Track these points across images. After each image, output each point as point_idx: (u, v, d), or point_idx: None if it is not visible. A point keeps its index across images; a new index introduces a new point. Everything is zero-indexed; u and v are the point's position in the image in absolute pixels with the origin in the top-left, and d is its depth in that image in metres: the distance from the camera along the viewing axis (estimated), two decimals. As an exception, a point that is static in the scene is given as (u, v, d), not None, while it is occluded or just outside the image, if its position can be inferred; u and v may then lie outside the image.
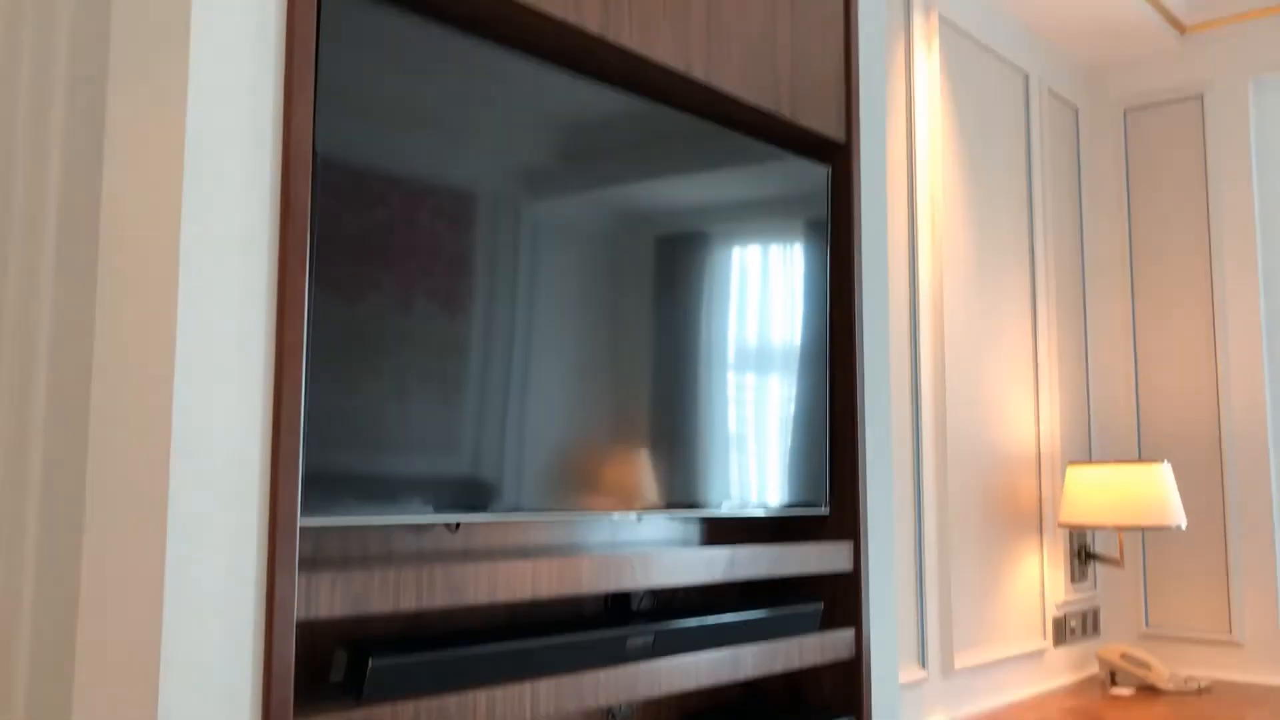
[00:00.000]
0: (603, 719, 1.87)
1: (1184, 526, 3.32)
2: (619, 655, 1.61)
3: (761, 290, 1.96)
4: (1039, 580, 3.49)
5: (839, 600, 2.08)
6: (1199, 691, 3.45)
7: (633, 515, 1.69)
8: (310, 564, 1.41)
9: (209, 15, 1.18)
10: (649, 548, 1.80)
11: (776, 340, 1.98)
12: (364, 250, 1.36)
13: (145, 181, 1.18)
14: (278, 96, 1.24)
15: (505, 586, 1.43)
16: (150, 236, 1.17)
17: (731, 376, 1.88)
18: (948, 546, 3.04)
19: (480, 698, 1.39)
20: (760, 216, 1.97)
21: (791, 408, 2.00)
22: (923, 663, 2.91)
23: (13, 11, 1.41)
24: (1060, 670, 3.56)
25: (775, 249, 2.00)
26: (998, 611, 3.26)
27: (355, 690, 1.29)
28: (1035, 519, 3.50)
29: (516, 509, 1.52)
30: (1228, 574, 3.66)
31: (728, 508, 1.85)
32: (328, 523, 1.29)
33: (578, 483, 1.61)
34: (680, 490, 1.77)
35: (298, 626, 1.42)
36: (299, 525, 1.23)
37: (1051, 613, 3.51)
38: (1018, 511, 3.41)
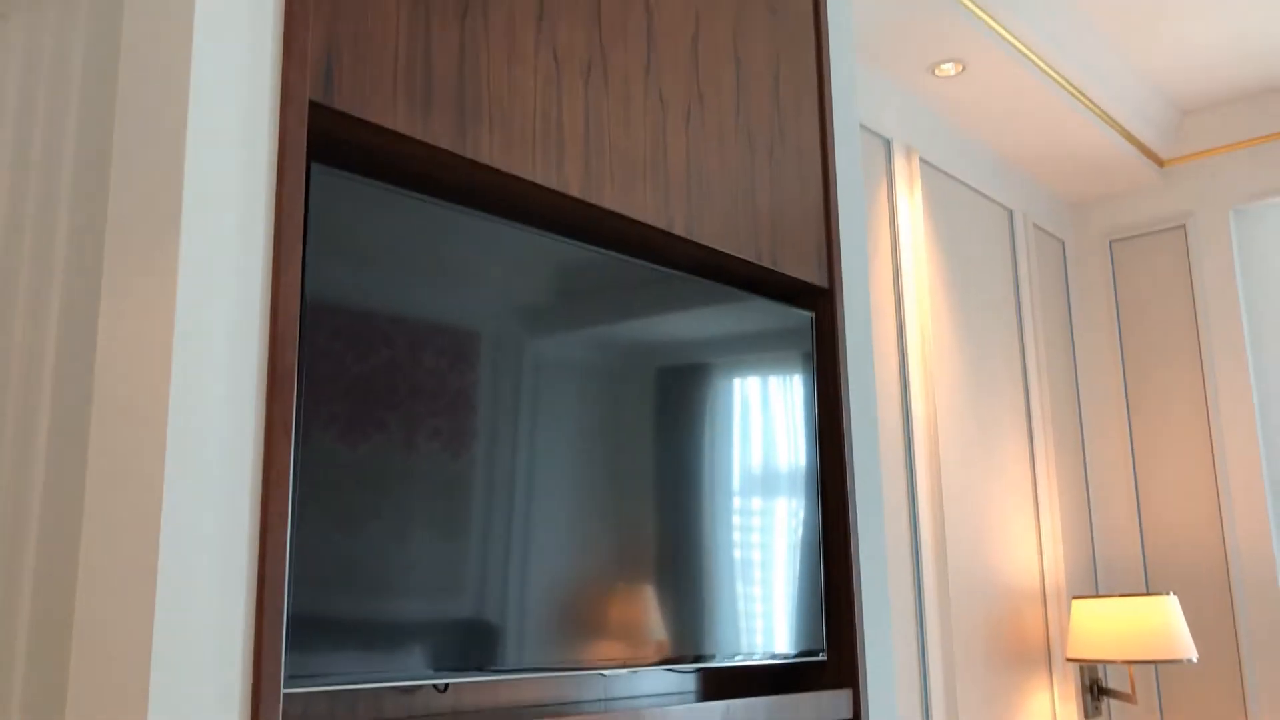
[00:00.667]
0: None
1: (1195, 659, 3.26)
2: (612, 817, 1.57)
3: (763, 429, 1.98)
4: (1051, 718, 3.41)
5: (840, 750, 2.04)
6: (1224, 833, 3.34)
7: (625, 672, 1.68)
8: (295, 731, 1.39)
9: (200, 194, 1.24)
10: (643, 703, 1.78)
11: (773, 482, 1.99)
12: (360, 395, 1.39)
13: (136, 348, 1.22)
14: (267, 267, 1.29)
15: (492, 750, 1.41)
16: (138, 407, 1.20)
17: (732, 519, 1.89)
18: (954, 685, 2.98)
19: None
20: (753, 353, 2.01)
21: (788, 552, 2.00)
22: (934, 810, 2.83)
23: (18, 155, 1.47)
24: (1079, 813, 3.45)
25: (771, 385, 2.03)
26: (1010, 752, 3.18)
27: None
28: (1043, 654, 3.44)
29: (510, 667, 1.51)
30: (1245, 706, 3.58)
31: (724, 659, 1.83)
32: (312, 689, 1.29)
33: (576, 635, 1.60)
34: (674, 644, 1.76)
35: (282, 797, 1.40)
36: (283, 693, 1.22)
37: (1066, 752, 3.42)
38: (1024, 647, 3.36)
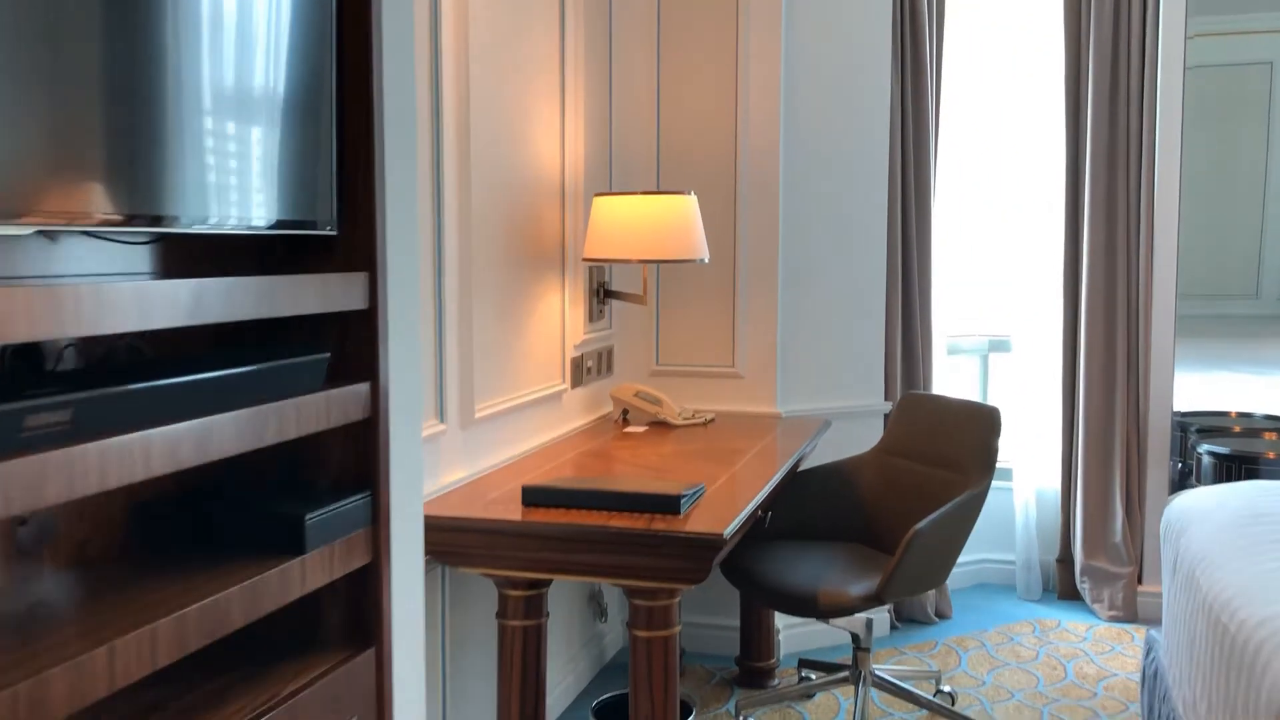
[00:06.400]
0: (8, 528, 1.31)
1: (707, 259, 3.23)
2: (16, 440, 1.05)
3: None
4: (560, 320, 3.27)
5: (350, 348, 1.64)
6: (705, 424, 3.49)
7: (29, 230, 1.09)
8: None
9: None
10: (71, 279, 1.22)
11: (249, 23, 1.40)
12: None
13: None
14: None
15: None
16: None
17: (201, 54, 1.28)
18: (470, 288, 2.68)
19: None
20: None
21: (282, 104, 1.44)
22: (441, 415, 2.57)
23: None
24: (577, 412, 3.43)
25: None
26: (519, 354, 3.00)
27: None
28: (559, 255, 3.24)
29: None
30: (734, 311, 3.69)
31: (190, 225, 1.29)
32: None
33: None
34: (123, 203, 1.18)
35: None
36: None
37: (570, 354, 3.33)
38: (541, 248, 3.12)
